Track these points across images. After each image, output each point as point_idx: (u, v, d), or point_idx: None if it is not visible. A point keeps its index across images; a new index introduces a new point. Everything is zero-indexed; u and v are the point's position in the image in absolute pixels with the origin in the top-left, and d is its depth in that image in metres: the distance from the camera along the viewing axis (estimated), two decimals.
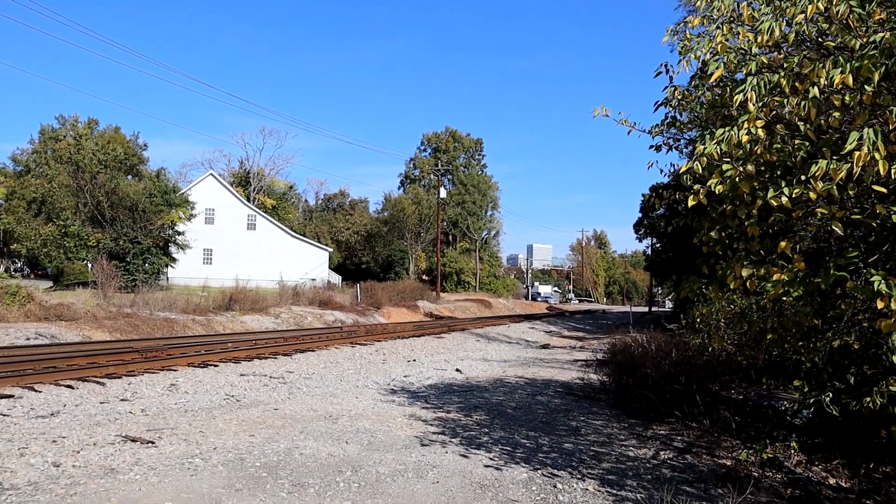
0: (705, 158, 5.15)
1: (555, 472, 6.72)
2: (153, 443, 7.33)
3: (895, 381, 5.59)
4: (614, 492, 6.11)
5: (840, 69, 4.45)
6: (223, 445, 7.32)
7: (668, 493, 5.70)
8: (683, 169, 5.41)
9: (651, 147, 7.48)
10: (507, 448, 7.76)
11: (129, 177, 45.30)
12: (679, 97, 6.58)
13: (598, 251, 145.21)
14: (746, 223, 5.38)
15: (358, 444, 7.67)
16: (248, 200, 69.42)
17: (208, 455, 6.87)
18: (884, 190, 4.24)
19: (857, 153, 4.12)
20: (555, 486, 6.19)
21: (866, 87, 4.51)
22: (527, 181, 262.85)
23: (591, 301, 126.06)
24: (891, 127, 4.26)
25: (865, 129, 4.14)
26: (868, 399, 5.79)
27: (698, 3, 6.35)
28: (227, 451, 7.09)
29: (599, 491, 6.12)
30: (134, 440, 7.42)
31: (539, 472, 6.70)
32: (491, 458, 7.20)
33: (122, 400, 10.23)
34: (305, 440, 7.76)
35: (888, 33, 4.68)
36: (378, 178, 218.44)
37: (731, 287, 5.71)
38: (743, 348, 10.60)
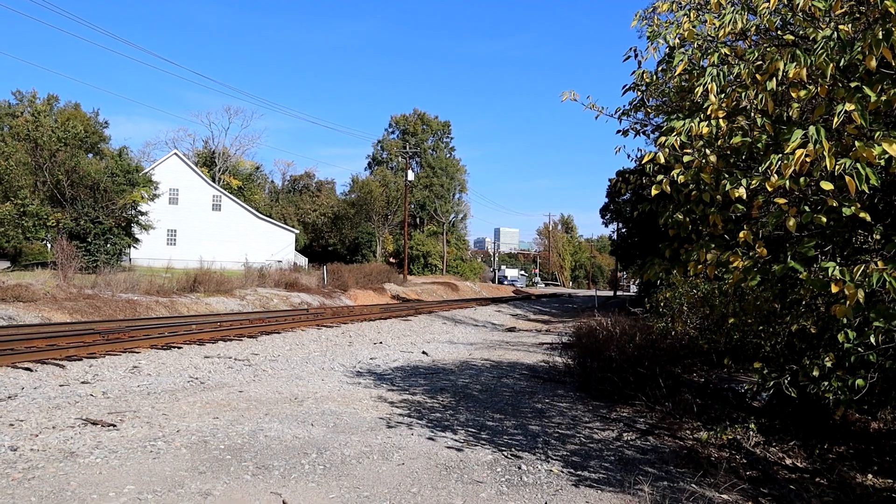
0: (667, 149, 5.21)
1: (519, 453, 6.79)
2: (115, 426, 7.22)
3: (831, 356, 5.78)
4: (578, 473, 6.20)
5: (795, 63, 4.52)
6: (186, 428, 7.25)
7: (630, 474, 5.80)
8: (646, 159, 5.46)
9: (618, 132, 7.55)
10: (473, 430, 7.81)
11: (90, 155, 44.34)
12: (647, 81, 6.64)
13: (565, 235, 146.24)
14: (709, 210, 5.46)
15: (323, 427, 7.66)
16: (214, 181, 68.39)
17: (171, 438, 6.80)
18: (831, 186, 4.31)
19: (798, 151, 4.19)
20: (519, 468, 6.26)
21: (821, 80, 4.59)
22: (495, 164, 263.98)
23: (558, 285, 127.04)
24: (835, 124, 4.33)
25: (811, 127, 4.21)
26: (807, 367, 5.97)
27: None
28: (191, 433, 7.02)
29: (563, 472, 6.20)
30: (95, 423, 7.31)
31: (504, 453, 6.77)
32: (456, 440, 7.24)
33: (82, 382, 10.06)
34: (270, 422, 7.72)
35: (849, 25, 4.76)
36: (345, 160, 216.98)
37: (693, 272, 5.80)
38: (705, 332, 10.79)
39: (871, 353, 5.27)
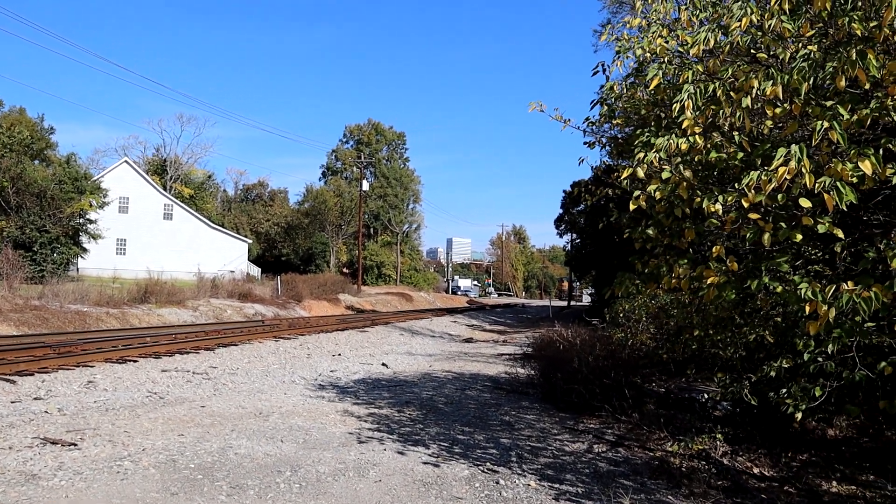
0: (646, 165, 5.28)
1: (495, 468, 6.75)
2: (75, 444, 6.96)
3: (788, 360, 5.96)
4: (556, 486, 6.19)
5: (772, 81, 4.63)
6: (152, 446, 7.03)
7: (608, 487, 5.82)
8: (625, 174, 5.51)
9: (585, 143, 7.69)
10: (445, 444, 7.75)
11: (37, 162, 42.96)
12: (616, 95, 6.72)
13: (518, 246, 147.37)
14: (684, 225, 5.54)
15: (293, 443, 7.51)
16: (165, 189, 66.95)
17: (138, 457, 6.58)
18: (809, 204, 4.41)
19: (781, 169, 4.29)
20: (497, 483, 6.23)
21: (795, 98, 4.71)
22: (448, 174, 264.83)
23: (511, 295, 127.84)
24: (814, 143, 4.44)
25: (793, 146, 4.31)
26: (765, 372, 6.13)
27: (637, 3, 6.49)
28: (158, 452, 6.81)
29: (541, 486, 6.19)
30: (54, 442, 7.04)
31: (480, 468, 6.72)
32: (430, 455, 7.17)
33: (35, 398, 9.68)
34: (238, 439, 7.54)
35: (815, 47, 4.90)
36: (299, 170, 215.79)
37: (668, 287, 5.87)
38: (664, 342, 10.94)
39: (829, 363, 5.40)
